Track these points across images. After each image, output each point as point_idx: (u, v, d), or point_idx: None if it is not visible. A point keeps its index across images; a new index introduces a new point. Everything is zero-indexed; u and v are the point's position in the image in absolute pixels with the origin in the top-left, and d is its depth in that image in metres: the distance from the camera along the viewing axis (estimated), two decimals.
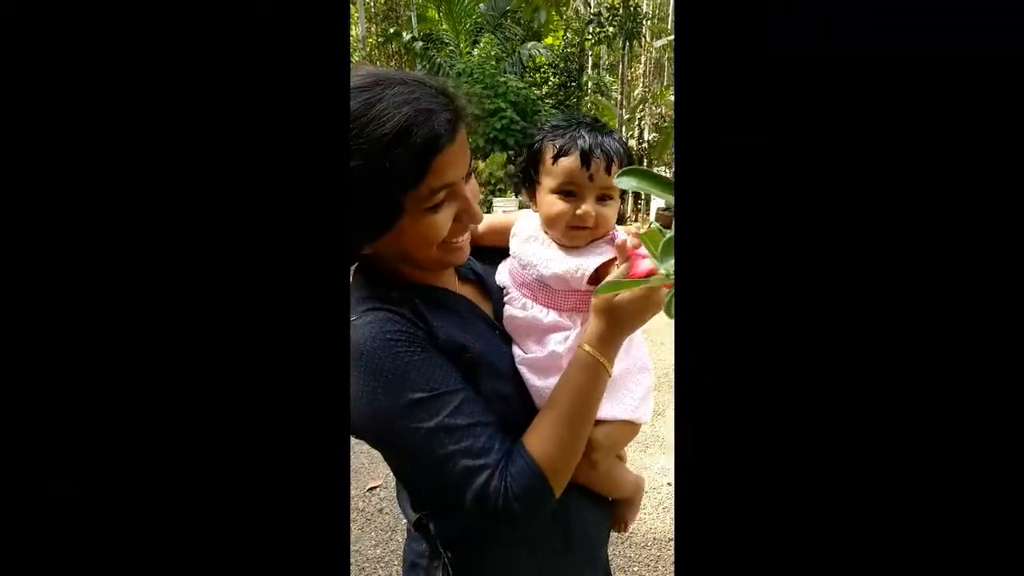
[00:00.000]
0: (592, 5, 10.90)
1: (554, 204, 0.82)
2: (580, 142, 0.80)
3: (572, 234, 0.83)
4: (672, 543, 2.30)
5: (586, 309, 0.81)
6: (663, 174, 0.54)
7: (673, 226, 0.54)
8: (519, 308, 0.84)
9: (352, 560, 2.19)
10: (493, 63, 9.26)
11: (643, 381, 0.85)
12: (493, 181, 7.81)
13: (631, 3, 9.43)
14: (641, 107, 11.44)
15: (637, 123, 11.96)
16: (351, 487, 2.63)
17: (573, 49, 10.88)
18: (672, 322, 0.48)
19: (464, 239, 0.75)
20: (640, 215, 9.69)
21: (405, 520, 0.88)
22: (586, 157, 0.79)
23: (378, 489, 2.63)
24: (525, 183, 0.88)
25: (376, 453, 0.79)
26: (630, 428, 0.85)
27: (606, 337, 0.73)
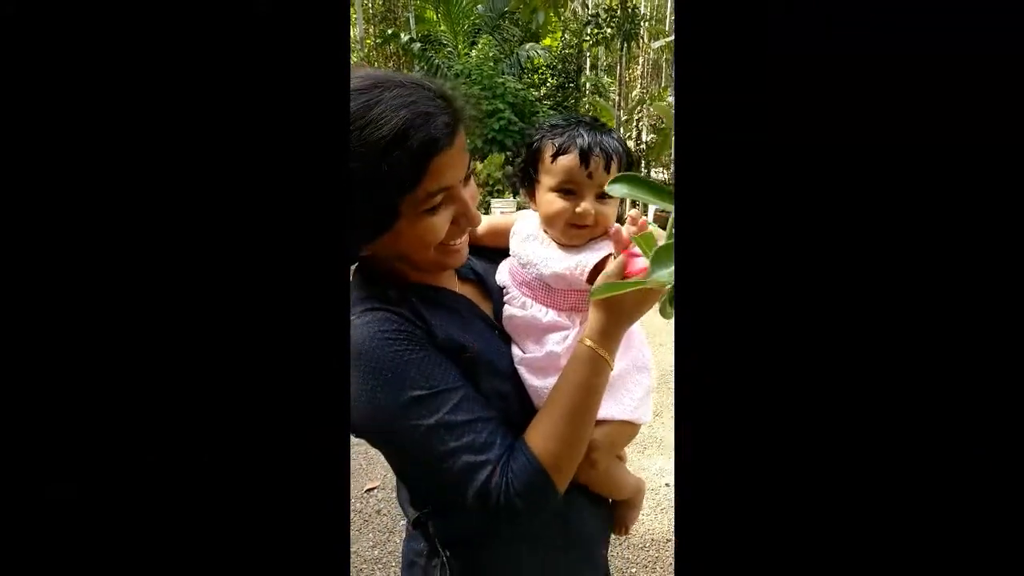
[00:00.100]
0: (590, 6, 10.92)
1: (553, 202, 0.82)
2: (579, 140, 0.80)
3: (571, 233, 0.83)
4: (670, 544, 2.30)
5: (585, 309, 0.81)
6: (655, 180, 0.53)
7: (667, 231, 0.54)
8: (518, 307, 0.84)
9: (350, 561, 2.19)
10: (491, 64, 9.26)
11: (642, 381, 0.85)
12: (491, 182, 7.81)
13: (629, 4, 9.45)
14: (639, 108, 11.46)
15: (635, 124, 11.97)
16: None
17: (571, 50, 10.89)
18: (671, 323, 0.48)
19: (462, 241, 0.76)
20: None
21: (405, 521, 0.88)
22: (585, 155, 0.79)
23: (376, 490, 2.63)
24: (524, 182, 0.88)
25: (374, 454, 0.79)
26: (630, 428, 0.85)
27: (606, 330, 0.72)
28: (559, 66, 10.69)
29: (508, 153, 8.28)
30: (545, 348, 0.80)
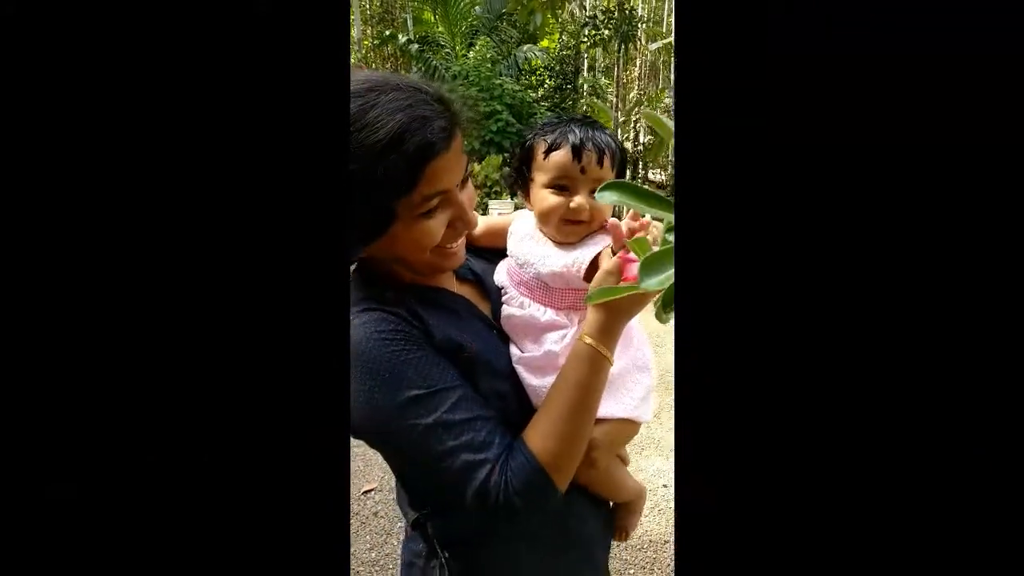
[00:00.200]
0: (587, 8, 10.94)
1: (547, 199, 0.82)
2: (571, 136, 0.81)
3: (566, 229, 0.82)
4: (667, 545, 2.30)
5: (583, 307, 0.81)
6: (647, 187, 0.52)
7: (660, 239, 0.54)
8: (516, 307, 0.84)
9: None
10: (489, 66, 9.26)
11: (642, 380, 0.85)
12: (489, 183, 7.81)
13: (626, 6, 9.47)
14: (636, 110, 11.47)
15: (632, 126, 11.98)
16: None
17: (569, 52, 10.89)
18: (670, 325, 0.48)
19: (459, 244, 0.76)
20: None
21: (402, 523, 0.88)
22: (577, 150, 0.80)
23: (373, 492, 2.62)
24: (518, 181, 0.88)
25: (371, 456, 0.79)
26: (630, 427, 0.85)
27: (605, 327, 0.72)
28: (557, 68, 10.69)
29: (506, 155, 8.27)
30: (543, 347, 0.80)
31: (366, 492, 2.62)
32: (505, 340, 0.84)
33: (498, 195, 7.72)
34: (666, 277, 0.46)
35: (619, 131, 10.28)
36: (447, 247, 0.73)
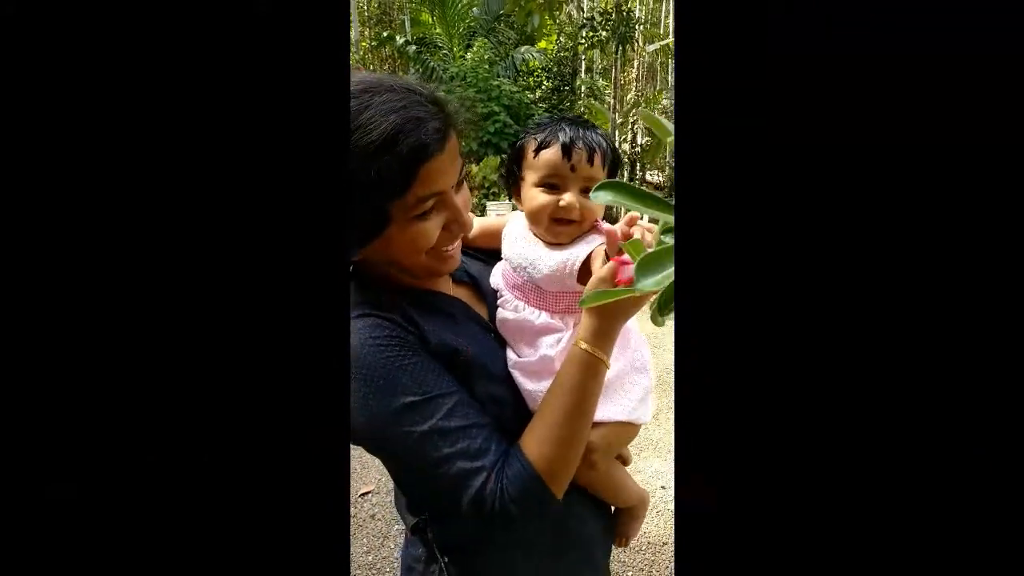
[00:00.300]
0: (585, 9, 10.95)
1: (536, 197, 0.82)
2: (561, 134, 0.80)
3: (557, 229, 0.82)
4: (666, 547, 2.30)
5: (578, 311, 0.81)
6: (643, 188, 0.52)
7: (655, 241, 0.53)
8: (511, 310, 0.84)
9: None
10: (486, 67, 9.26)
11: (640, 382, 0.84)
12: (487, 185, 7.81)
13: (624, 8, 9.48)
14: (634, 111, 11.48)
15: (630, 127, 12.00)
16: None
17: (566, 53, 10.91)
18: (668, 325, 0.48)
19: (454, 247, 0.75)
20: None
21: (399, 526, 0.87)
22: (567, 148, 0.79)
23: (370, 495, 2.62)
24: (509, 181, 0.88)
25: (368, 459, 0.79)
26: (628, 429, 0.84)
27: (600, 331, 0.72)
28: (554, 69, 10.71)
29: (503, 156, 8.28)
30: (539, 352, 0.80)
31: (363, 495, 2.61)
32: (502, 344, 0.84)
33: (496, 196, 7.72)
34: (663, 277, 0.45)
35: (616, 133, 10.29)
36: (442, 250, 0.73)
